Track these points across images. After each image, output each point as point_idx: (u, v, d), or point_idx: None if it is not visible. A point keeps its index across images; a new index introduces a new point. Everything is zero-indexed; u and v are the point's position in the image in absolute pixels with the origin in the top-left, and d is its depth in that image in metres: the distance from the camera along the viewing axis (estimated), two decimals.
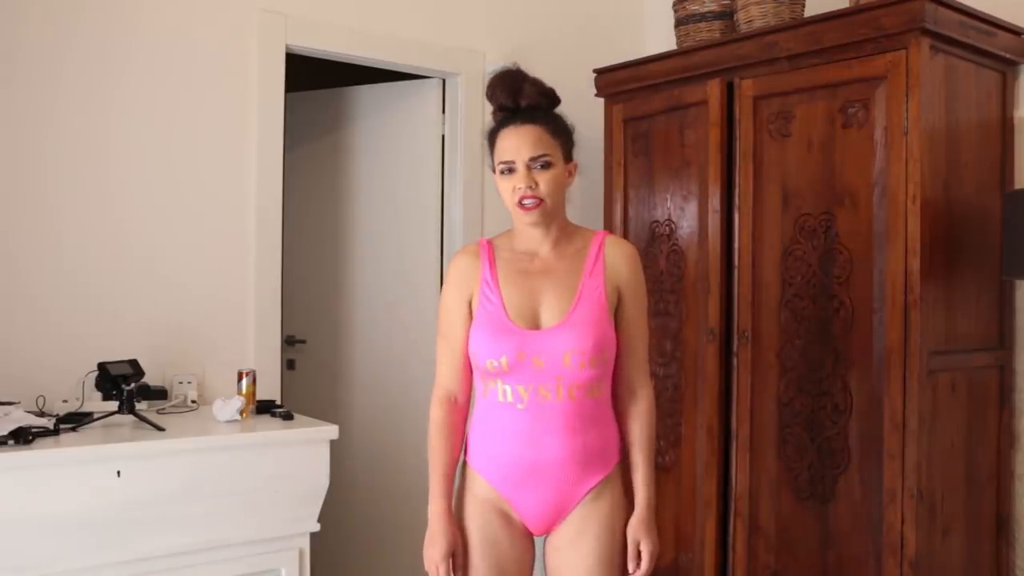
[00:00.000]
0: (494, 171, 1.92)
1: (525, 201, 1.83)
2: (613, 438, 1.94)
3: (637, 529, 1.91)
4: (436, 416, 1.95)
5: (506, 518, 1.90)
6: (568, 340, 1.82)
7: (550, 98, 1.92)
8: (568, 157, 1.92)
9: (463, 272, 1.94)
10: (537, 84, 1.91)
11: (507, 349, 1.83)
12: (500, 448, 1.88)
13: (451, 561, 1.88)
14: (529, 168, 1.84)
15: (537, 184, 1.83)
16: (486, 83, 1.96)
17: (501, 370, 1.84)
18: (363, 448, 3.67)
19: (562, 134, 1.90)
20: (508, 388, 1.85)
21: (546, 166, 1.85)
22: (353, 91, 3.81)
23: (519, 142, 1.85)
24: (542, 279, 1.89)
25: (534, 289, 1.88)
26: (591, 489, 1.88)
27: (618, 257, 1.93)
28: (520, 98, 1.88)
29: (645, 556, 1.89)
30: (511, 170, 1.86)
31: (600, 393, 1.89)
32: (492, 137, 1.93)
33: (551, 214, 1.88)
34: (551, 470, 1.85)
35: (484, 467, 1.90)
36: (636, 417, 1.95)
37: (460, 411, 1.97)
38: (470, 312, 1.92)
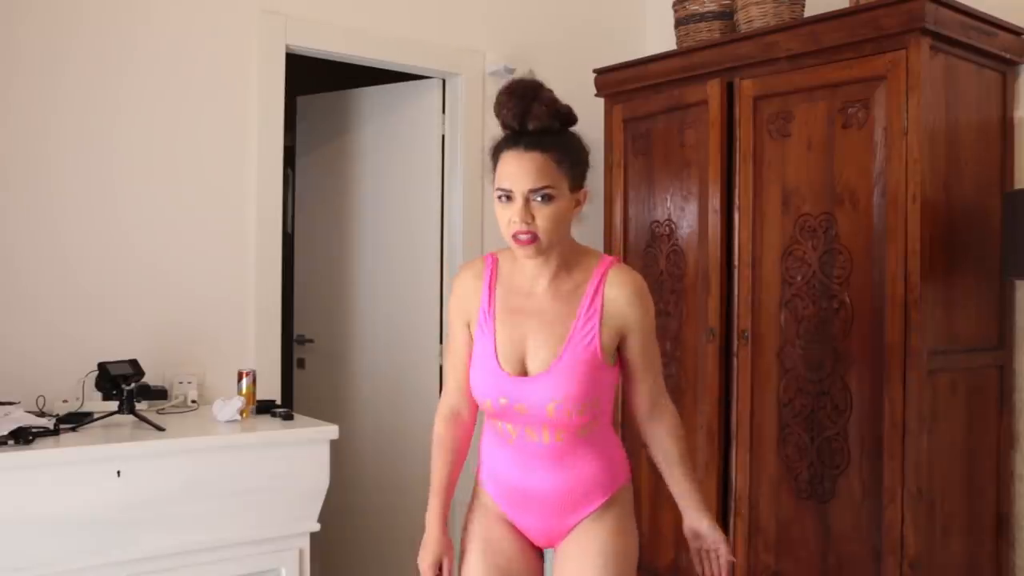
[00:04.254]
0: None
1: (520, 236, 1.69)
2: (614, 462, 1.86)
3: (699, 523, 1.83)
4: (437, 431, 1.93)
5: (512, 528, 1.89)
6: (551, 390, 1.73)
7: (564, 119, 1.74)
8: (577, 185, 1.75)
9: (464, 295, 1.87)
10: (550, 104, 1.71)
11: (493, 393, 1.78)
12: (500, 471, 1.87)
13: (439, 568, 1.87)
14: (528, 200, 1.68)
15: (534, 219, 1.68)
16: (498, 91, 1.75)
17: (494, 409, 1.81)
18: (373, 445, 3.69)
19: (571, 161, 1.72)
20: (500, 423, 1.83)
21: (547, 199, 1.68)
22: (355, 93, 3.82)
23: (519, 171, 1.68)
24: (534, 320, 1.78)
25: (524, 331, 1.78)
26: (590, 513, 1.82)
27: (618, 298, 1.77)
28: (528, 120, 1.69)
29: (722, 553, 1.81)
30: (509, 198, 1.70)
31: (592, 431, 1.81)
32: (494, 156, 1.75)
33: (548, 249, 1.73)
34: (543, 500, 1.82)
35: (489, 485, 1.90)
36: (663, 437, 1.86)
37: (463, 426, 1.93)
38: (470, 334, 1.87)
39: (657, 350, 1.87)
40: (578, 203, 1.77)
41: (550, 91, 1.74)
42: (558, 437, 1.77)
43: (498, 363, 1.78)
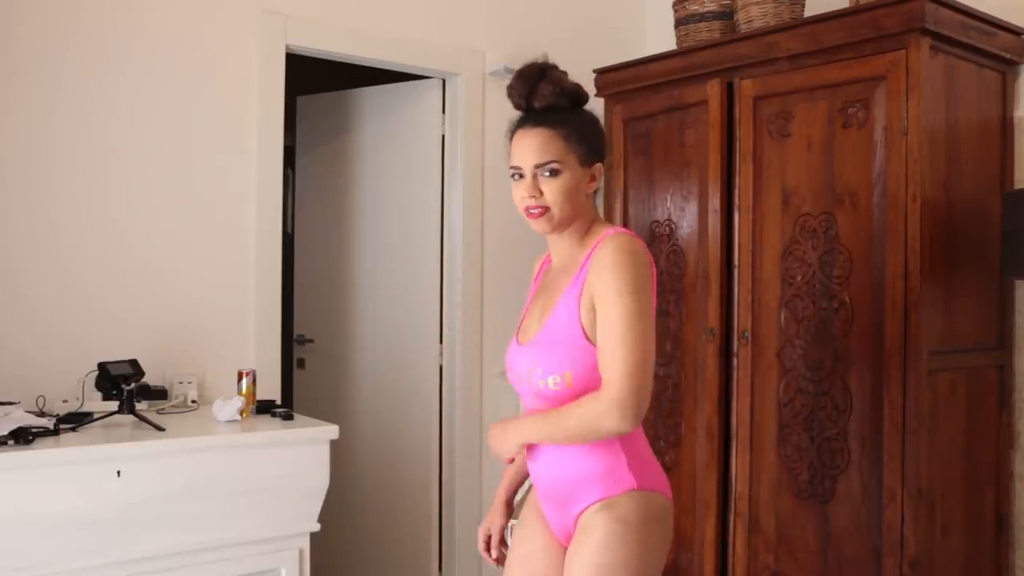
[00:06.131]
0: None
1: (531, 210, 1.75)
2: (612, 460, 1.73)
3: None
4: None
5: (543, 520, 1.88)
6: (534, 358, 1.75)
7: (572, 97, 1.78)
8: (589, 160, 1.77)
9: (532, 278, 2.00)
10: (557, 82, 1.76)
11: (507, 362, 1.88)
12: (528, 450, 1.86)
13: (488, 538, 2.02)
14: (536, 176, 1.74)
15: (542, 193, 1.73)
16: (511, 78, 1.82)
17: (510, 380, 1.88)
18: (373, 445, 3.69)
19: (579, 136, 1.75)
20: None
21: (554, 173, 1.72)
22: (355, 93, 3.82)
23: (525, 148, 1.74)
24: (543, 292, 1.86)
25: (536, 303, 1.87)
26: (584, 511, 1.73)
27: (596, 264, 1.70)
28: (533, 99, 1.76)
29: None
30: (521, 176, 1.76)
31: None
32: (509, 138, 1.82)
33: (562, 222, 1.76)
34: (540, 483, 1.83)
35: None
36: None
37: None
38: None
39: (621, 332, 1.63)
40: (593, 178, 1.80)
41: (559, 71, 1.80)
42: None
43: (516, 336, 1.86)
